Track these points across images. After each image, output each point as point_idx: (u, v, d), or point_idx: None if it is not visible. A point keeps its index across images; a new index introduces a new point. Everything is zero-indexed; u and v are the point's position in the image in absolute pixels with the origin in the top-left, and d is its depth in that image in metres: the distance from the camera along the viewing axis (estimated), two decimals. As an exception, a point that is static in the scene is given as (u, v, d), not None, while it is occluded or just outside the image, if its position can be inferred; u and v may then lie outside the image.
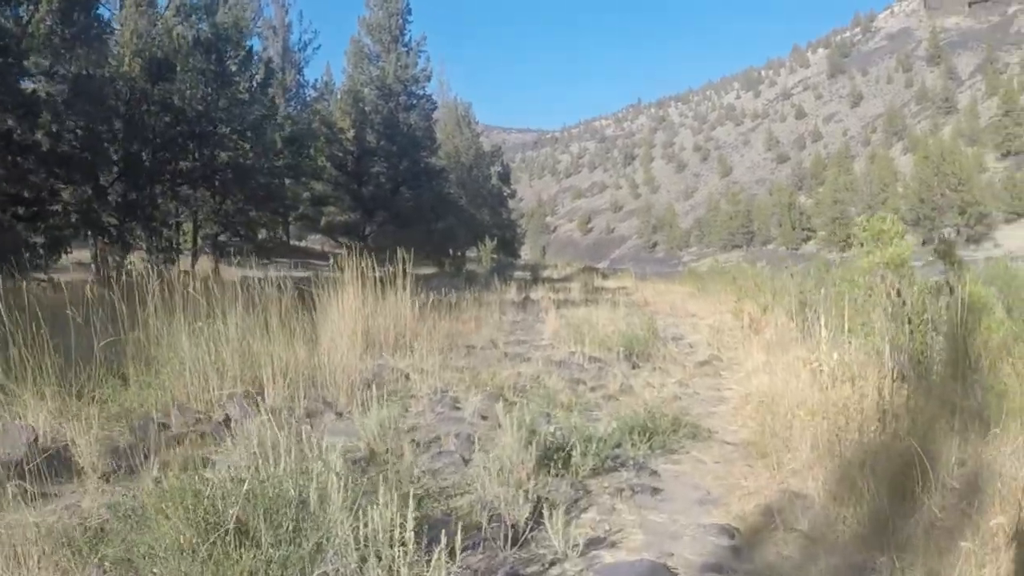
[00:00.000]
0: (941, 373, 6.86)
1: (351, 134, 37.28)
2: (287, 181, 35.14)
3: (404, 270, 10.93)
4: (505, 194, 66.03)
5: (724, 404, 8.28)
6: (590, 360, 9.95)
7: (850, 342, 9.46)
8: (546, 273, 45.77)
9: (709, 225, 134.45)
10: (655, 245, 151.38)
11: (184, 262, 26.39)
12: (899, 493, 4.71)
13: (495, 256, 58.28)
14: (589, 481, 5.38)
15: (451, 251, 55.58)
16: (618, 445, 5.99)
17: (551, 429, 5.90)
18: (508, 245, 61.24)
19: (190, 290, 7.59)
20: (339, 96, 41.14)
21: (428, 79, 41.52)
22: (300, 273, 34.73)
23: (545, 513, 4.20)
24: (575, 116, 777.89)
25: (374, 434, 5.93)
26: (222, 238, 28.71)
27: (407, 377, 8.30)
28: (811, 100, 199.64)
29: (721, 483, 5.60)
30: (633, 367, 9.95)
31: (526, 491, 4.52)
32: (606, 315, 15.22)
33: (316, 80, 59.77)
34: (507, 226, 64.75)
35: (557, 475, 5.24)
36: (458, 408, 7.33)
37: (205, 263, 27.68)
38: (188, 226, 28.75)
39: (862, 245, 8.03)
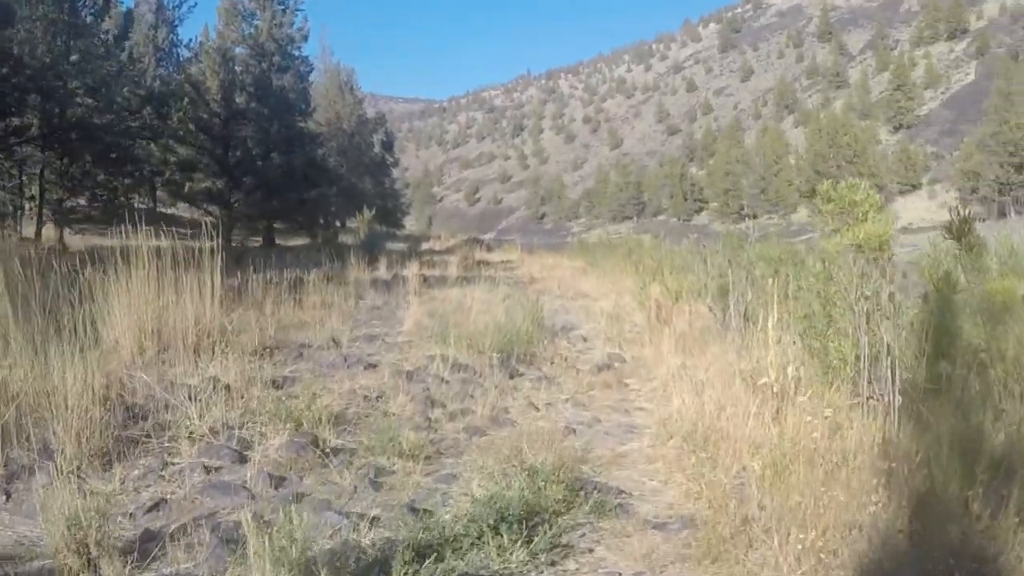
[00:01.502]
0: (956, 406, 4.70)
1: (218, 95, 33.94)
2: (147, 143, 31.97)
3: (228, 242, 8.28)
4: (388, 163, 63.20)
5: (637, 438, 6.00)
6: (455, 368, 7.53)
7: (795, 342, 7.40)
8: (428, 245, 43.27)
9: (599, 196, 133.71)
10: (543, 216, 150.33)
11: (30, 229, 23.98)
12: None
13: (376, 227, 55.61)
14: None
15: (325, 221, 52.62)
16: (476, 545, 3.59)
17: (348, 535, 3.49)
18: (391, 215, 58.75)
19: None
20: (207, 54, 37.62)
21: (305, 39, 38.62)
22: (159, 243, 31.61)
23: None
24: (463, 86, 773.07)
25: (65, 536, 3.44)
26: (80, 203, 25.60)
27: (193, 400, 5.66)
28: (702, 74, 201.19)
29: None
30: (511, 376, 7.62)
31: None
32: (483, 297, 12.97)
33: (192, 39, 55.56)
34: (390, 196, 62.30)
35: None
36: (244, 459, 4.84)
37: (51, 231, 24.77)
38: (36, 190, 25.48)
39: (827, 220, 5.81)
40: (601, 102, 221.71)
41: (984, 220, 66.55)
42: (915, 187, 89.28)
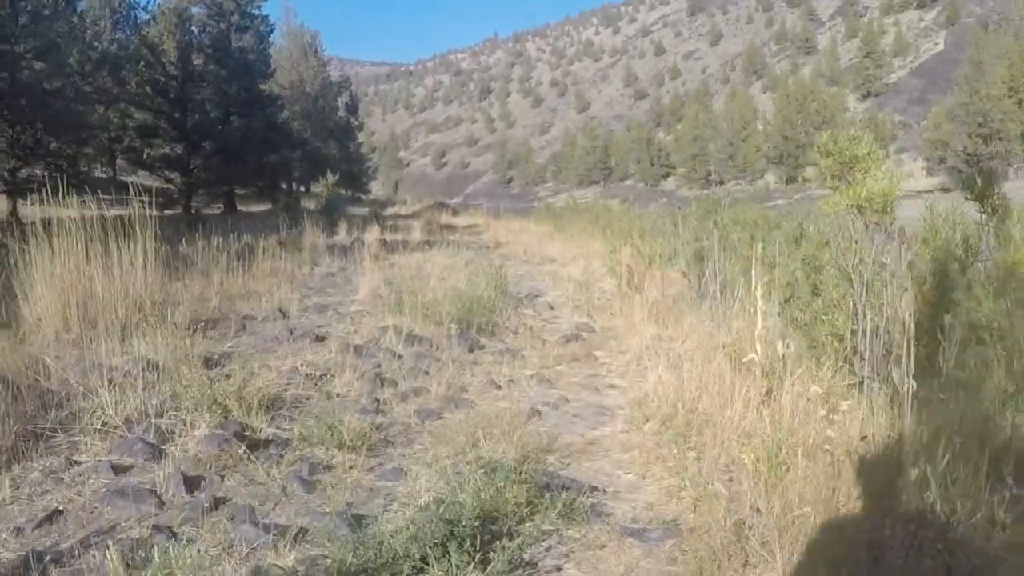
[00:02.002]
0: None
1: (175, 56, 32.73)
2: (103, 109, 30.87)
3: (187, 209, 7.57)
4: (353, 126, 62.06)
5: (609, 420, 5.39)
6: (409, 340, 6.88)
7: (778, 313, 6.86)
8: (393, 210, 42.51)
9: (566, 160, 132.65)
10: (510, 180, 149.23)
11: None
12: None
13: (341, 192, 54.65)
14: None
15: (288, 186, 51.73)
16: (420, 570, 2.96)
17: (264, 557, 2.90)
18: (355, 180, 57.99)
19: None
20: (163, 14, 36.33)
21: (265, -2, 37.41)
22: (118, 211, 30.55)
23: None
24: (430, 49, 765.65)
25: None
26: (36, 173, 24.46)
27: (109, 386, 4.96)
28: (670, 37, 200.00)
29: None
30: (471, 349, 6.99)
31: None
32: (445, 262, 12.37)
33: (150, 1, 53.92)
34: (355, 160, 61.38)
35: None
36: (159, 455, 4.18)
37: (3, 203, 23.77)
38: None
39: (827, 177, 5.19)
40: (568, 65, 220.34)
41: (951, 191, 66.53)
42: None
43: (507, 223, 28.83)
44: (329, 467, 4.19)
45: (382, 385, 5.66)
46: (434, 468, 4.06)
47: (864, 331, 4.89)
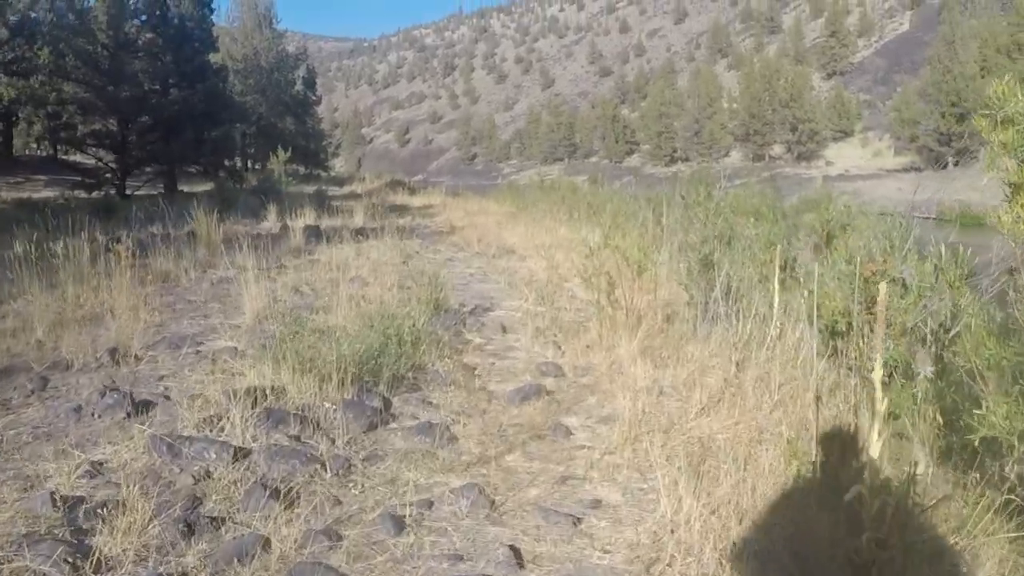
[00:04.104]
0: None
1: (104, 23, 29.77)
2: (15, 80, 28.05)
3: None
4: (311, 101, 59.17)
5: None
6: (272, 419, 4.35)
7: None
8: (351, 188, 39.82)
9: (530, 137, 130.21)
10: (474, 157, 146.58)
11: None
12: None
13: (300, 169, 52.00)
14: None
15: (243, 163, 49.26)
16: None
17: None
18: (313, 156, 55.77)
19: None
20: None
21: (206, -41, 34.60)
22: (47, 193, 27.86)
23: None
24: (394, 25, 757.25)
25: None
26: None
27: None
28: (635, 15, 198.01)
29: None
30: (372, 426, 4.49)
31: None
32: (380, 258, 10.03)
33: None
34: (313, 136, 58.83)
35: None
36: None
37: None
38: None
39: (998, 157, 2.81)
40: (533, 42, 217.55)
41: (921, 170, 64.90)
42: (847, 134, 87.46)
43: (466, 202, 26.36)
44: None
45: (189, 534, 3.18)
46: None
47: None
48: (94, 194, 26.21)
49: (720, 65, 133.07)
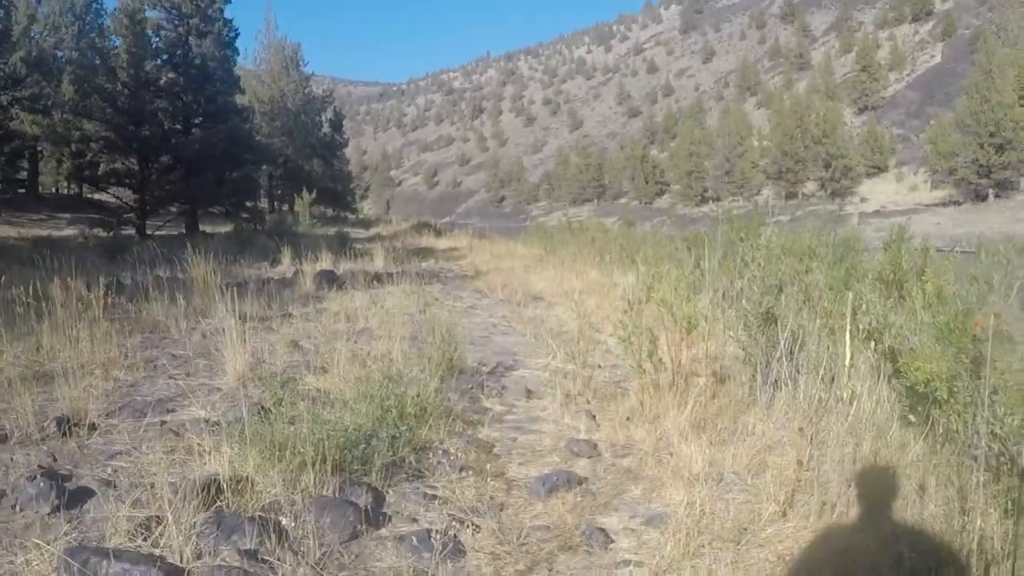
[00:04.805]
0: None
1: (125, 62, 29.37)
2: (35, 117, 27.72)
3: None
4: (338, 143, 58.67)
5: None
6: (225, 529, 3.39)
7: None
8: (376, 230, 39.09)
9: (559, 179, 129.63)
10: (503, 199, 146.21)
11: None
12: None
13: (327, 211, 51.50)
14: None
15: (269, 204, 48.95)
16: None
17: None
18: (340, 198, 54.74)
19: None
20: (114, 15, 32.99)
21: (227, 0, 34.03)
22: (68, 232, 27.38)
23: None
24: (422, 68, 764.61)
25: None
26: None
27: None
28: (663, 55, 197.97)
29: None
30: (353, 535, 3.50)
31: None
32: (396, 305, 9.15)
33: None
34: (340, 178, 58.00)
35: None
36: None
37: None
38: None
39: None
40: (561, 84, 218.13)
41: (960, 203, 63.45)
42: (881, 169, 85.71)
43: (491, 245, 25.41)
44: None
45: None
46: None
47: None
48: (110, 233, 25.59)
49: (749, 103, 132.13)
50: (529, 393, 6.16)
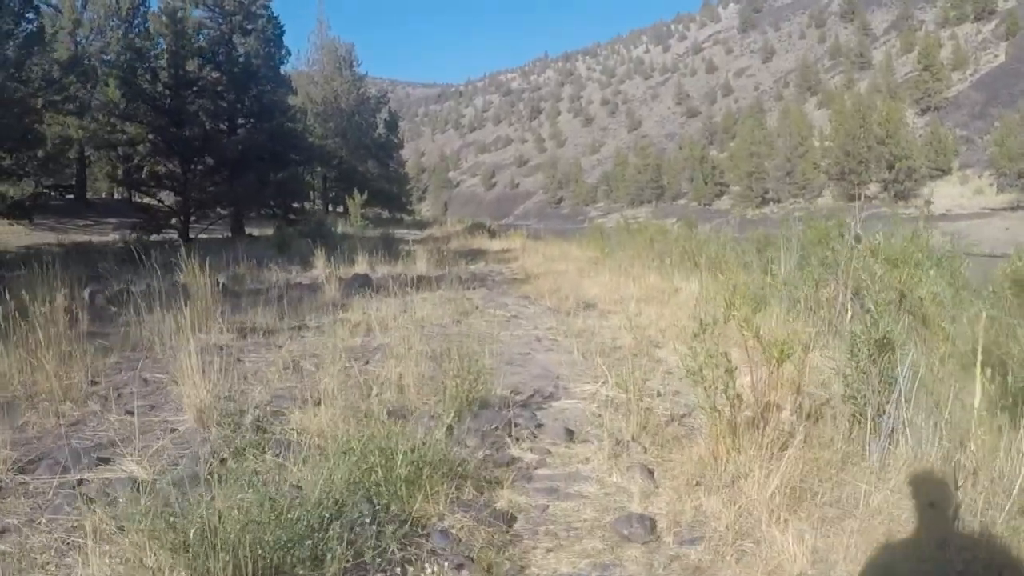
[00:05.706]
0: None
1: (165, 62, 28.77)
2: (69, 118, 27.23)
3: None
4: (393, 143, 58.08)
5: None
6: None
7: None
8: (430, 231, 38.15)
9: (617, 180, 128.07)
10: (561, 200, 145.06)
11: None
12: None
13: (383, 213, 50.81)
14: None
15: (324, 206, 48.52)
16: None
17: None
18: (396, 200, 54.01)
19: None
20: (154, 15, 32.49)
21: (272, -6, 33.43)
22: (112, 236, 26.73)
23: None
24: (480, 69, 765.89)
25: None
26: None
27: None
28: (722, 54, 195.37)
29: None
30: None
31: None
32: (428, 315, 8.05)
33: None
34: (395, 179, 57.43)
35: None
36: None
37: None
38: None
39: None
40: (619, 84, 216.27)
41: (1026, 208, 60.62)
42: (944, 172, 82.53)
43: (545, 247, 24.16)
44: None
45: None
46: None
47: None
48: (152, 237, 24.85)
49: (810, 103, 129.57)
50: (570, 435, 4.87)
